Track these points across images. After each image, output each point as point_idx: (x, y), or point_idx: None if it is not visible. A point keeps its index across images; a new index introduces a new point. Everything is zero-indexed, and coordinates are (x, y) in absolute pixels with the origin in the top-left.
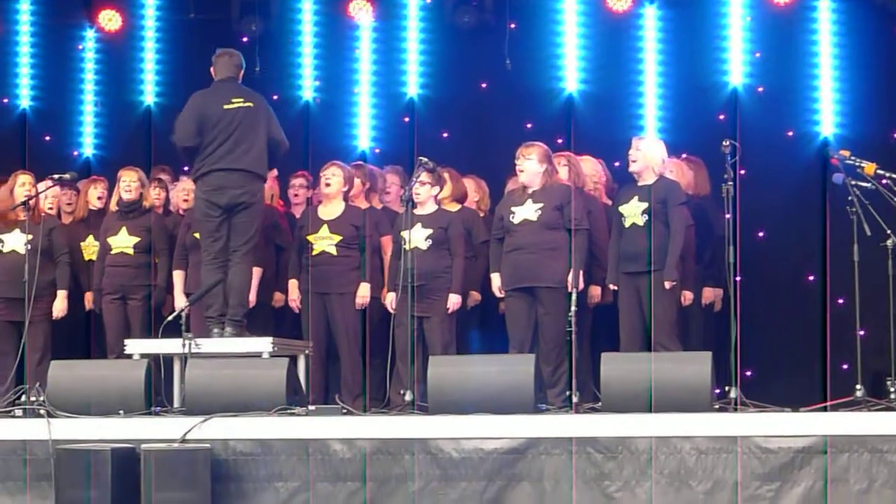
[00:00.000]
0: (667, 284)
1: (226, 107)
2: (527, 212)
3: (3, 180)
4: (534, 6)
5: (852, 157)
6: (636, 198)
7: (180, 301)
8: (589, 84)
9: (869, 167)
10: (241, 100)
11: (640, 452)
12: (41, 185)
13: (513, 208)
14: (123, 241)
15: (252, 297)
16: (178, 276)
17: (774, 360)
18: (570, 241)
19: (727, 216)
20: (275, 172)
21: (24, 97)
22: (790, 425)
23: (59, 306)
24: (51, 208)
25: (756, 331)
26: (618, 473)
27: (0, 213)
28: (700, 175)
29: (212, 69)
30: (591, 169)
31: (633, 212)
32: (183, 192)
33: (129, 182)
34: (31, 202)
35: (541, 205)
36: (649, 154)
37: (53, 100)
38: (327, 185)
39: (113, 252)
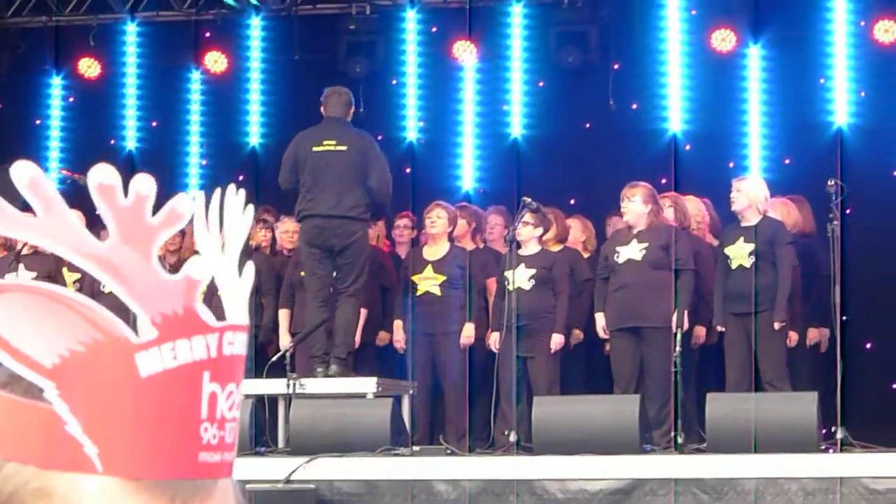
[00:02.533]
0: (776, 325)
1: (315, 149)
2: (632, 251)
3: None
4: (638, 46)
5: None
6: (741, 239)
7: (285, 340)
8: (693, 124)
9: None
10: (334, 143)
11: (747, 493)
12: None
13: (618, 248)
14: None
15: (357, 338)
16: (283, 315)
17: (881, 400)
18: (674, 280)
19: (833, 256)
20: (380, 222)
21: (131, 138)
22: None
23: None
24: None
25: (862, 371)
26: None
27: None
28: (805, 214)
29: (322, 107)
30: (695, 209)
31: (740, 253)
32: (288, 234)
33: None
34: None
35: (646, 244)
36: (751, 194)
37: (159, 141)
38: (432, 225)
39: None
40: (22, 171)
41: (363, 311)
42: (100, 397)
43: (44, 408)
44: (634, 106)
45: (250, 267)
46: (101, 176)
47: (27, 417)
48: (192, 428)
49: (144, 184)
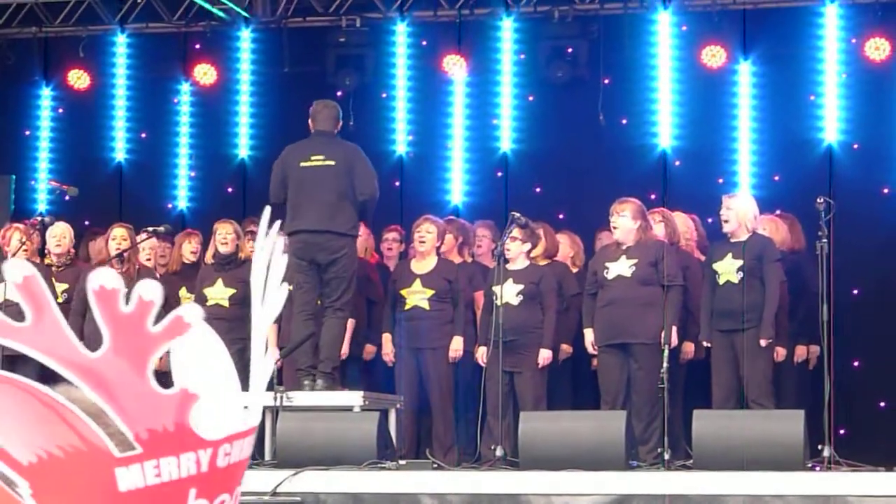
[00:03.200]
0: (762, 342)
1: (302, 164)
2: (621, 267)
3: (101, 232)
4: (628, 62)
5: None
6: (730, 255)
7: (273, 354)
8: (682, 140)
9: None
10: (322, 158)
11: None
12: (137, 238)
13: (607, 264)
14: (219, 293)
15: (344, 350)
16: (270, 329)
17: (868, 418)
18: (663, 296)
19: (821, 273)
20: (364, 231)
21: (120, 150)
22: (884, 485)
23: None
24: (148, 260)
25: (850, 389)
26: None
27: (98, 265)
28: (794, 231)
29: (310, 121)
30: (684, 225)
31: (728, 269)
32: None
33: (224, 235)
34: (127, 255)
35: (635, 260)
36: (741, 211)
37: (149, 153)
38: (421, 241)
39: (208, 304)
40: (15, 270)
41: (350, 324)
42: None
43: (17, 501)
44: (624, 121)
45: (272, 354)
46: (103, 279)
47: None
48: None
49: (150, 290)
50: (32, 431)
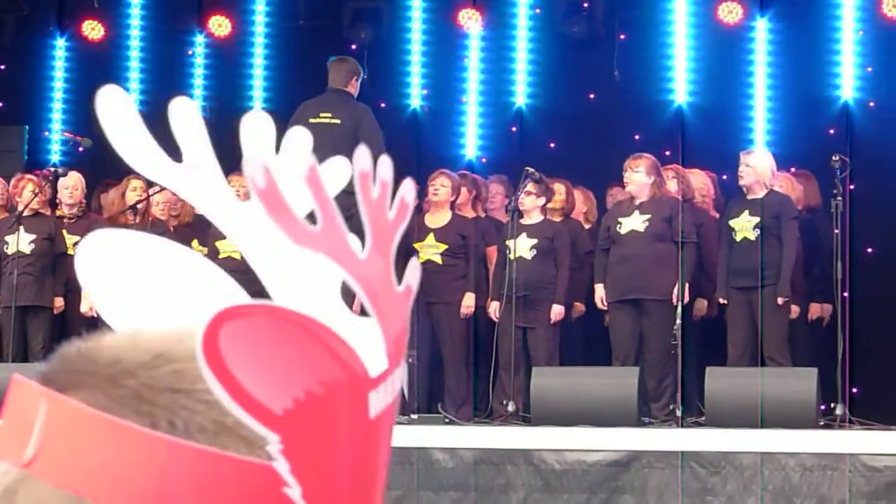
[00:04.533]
0: (780, 300)
1: (311, 121)
2: (634, 223)
3: (115, 184)
4: (644, 18)
5: None
6: (747, 212)
7: None
8: (698, 96)
9: None
10: (329, 115)
11: (745, 468)
12: (151, 190)
13: (620, 219)
14: (230, 246)
15: (355, 307)
16: None
17: (882, 377)
18: (677, 253)
19: (836, 231)
20: None
21: (134, 101)
22: None
23: None
24: (162, 213)
25: (863, 347)
26: (721, 488)
27: (110, 217)
28: (810, 189)
29: (328, 77)
30: (700, 182)
31: (744, 226)
32: None
33: (237, 187)
34: (141, 206)
35: (648, 216)
36: (759, 168)
37: (162, 104)
38: (435, 194)
39: (221, 256)
40: (298, 163)
41: None
42: (326, 451)
43: (260, 465)
44: (640, 77)
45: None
46: (361, 158)
47: (239, 476)
48: (380, 477)
49: (387, 167)
50: (291, 370)
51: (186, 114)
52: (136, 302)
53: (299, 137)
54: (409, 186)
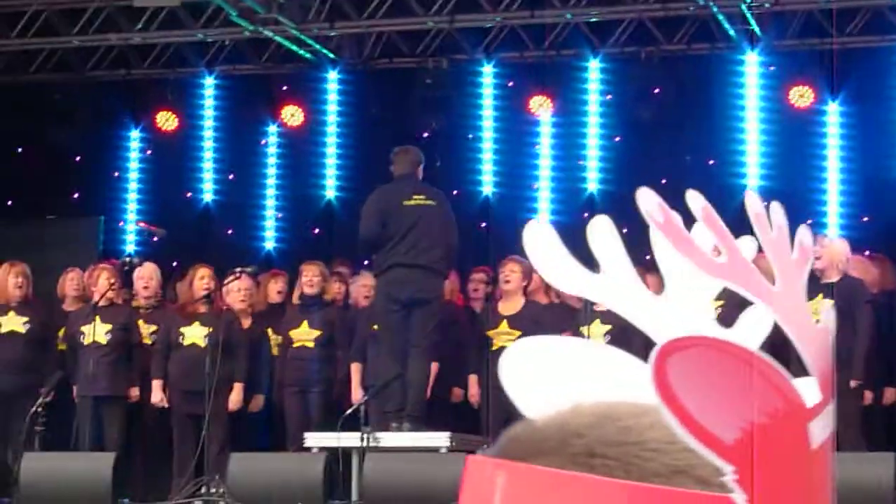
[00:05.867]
0: (852, 384)
1: (405, 202)
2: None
3: (185, 273)
4: (715, 102)
5: None
6: (821, 295)
7: (358, 394)
8: (770, 180)
9: None
10: (423, 197)
11: None
12: (225, 280)
13: None
14: (305, 335)
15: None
16: (355, 369)
17: None
18: None
19: None
20: (455, 277)
21: (207, 191)
22: None
23: (236, 399)
24: (242, 301)
25: None
26: None
27: (180, 307)
28: (885, 272)
29: (392, 166)
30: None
31: (818, 309)
32: (364, 289)
33: (311, 276)
34: (213, 295)
35: (721, 301)
36: (833, 252)
37: (236, 194)
38: (507, 281)
39: (295, 345)
40: (696, 200)
41: (434, 366)
42: (776, 480)
43: (719, 497)
44: (711, 162)
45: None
46: (753, 202)
47: None
48: None
49: (781, 213)
50: (736, 400)
51: (603, 230)
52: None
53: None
54: (804, 232)
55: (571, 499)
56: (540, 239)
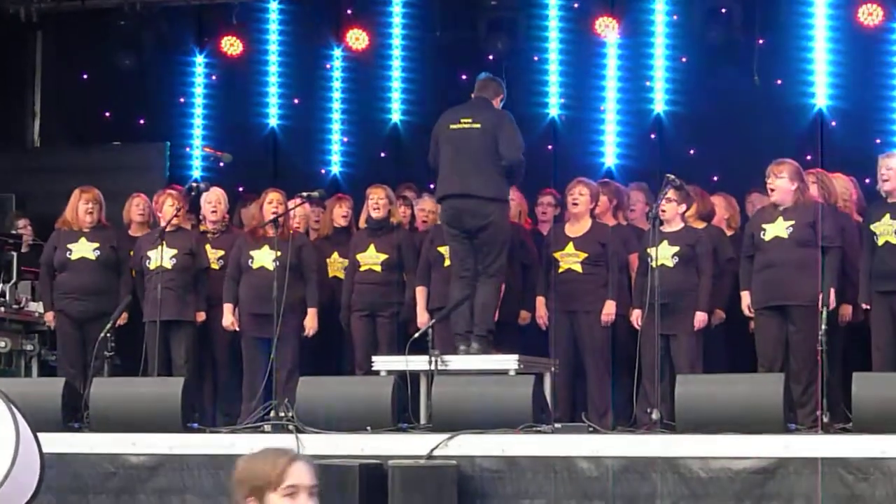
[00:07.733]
0: None
1: (452, 126)
2: (778, 229)
3: (254, 198)
4: (783, 22)
5: None
6: (888, 215)
7: (423, 317)
8: (838, 100)
9: None
10: (470, 120)
11: (893, 474)
12: (290, 203)
13: (763, 225)
14: (372, 259)
15: (495, 315)
16: (420, 293)
17: None
18: (821, 258)
19: None
20: (517, 195)
21: (273, 116)
22: None
23: (311, 324)
24: (298, 226)
25: None
26: (870, 495)
27: (250, 231)
28: None
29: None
30: (842, 187)
31: (887, 229)
32: (422, 213)
33: (377, 199)
34: (280, 220)
35: (792, 222)
36: None
37: (302, 118)
38: (574, 203)
39: (362, 269)
40: None
41: (501, 288)
42: None
43: None
44: (779, 82)
45: None
46: None
47: None
48: None
49: None
50: None
51: None
52: None
53: None
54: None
55: None
56: None
